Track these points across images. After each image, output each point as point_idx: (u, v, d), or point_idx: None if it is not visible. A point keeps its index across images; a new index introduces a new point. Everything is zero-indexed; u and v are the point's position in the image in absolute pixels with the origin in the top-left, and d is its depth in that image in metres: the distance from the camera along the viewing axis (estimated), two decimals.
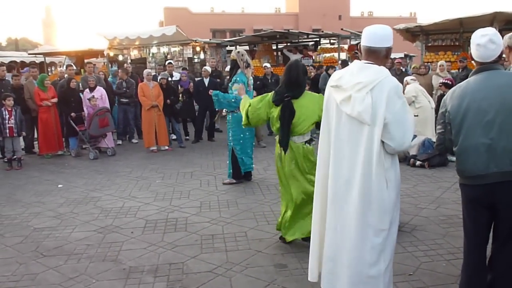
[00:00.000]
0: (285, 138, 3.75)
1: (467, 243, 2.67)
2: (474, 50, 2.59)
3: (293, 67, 3.87)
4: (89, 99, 8.64)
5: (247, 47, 16.36)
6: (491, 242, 2.64)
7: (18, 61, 19.07)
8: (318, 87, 9.95)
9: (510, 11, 10.24)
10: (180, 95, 9.85)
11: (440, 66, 9.68)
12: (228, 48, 15.18)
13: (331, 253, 2.59)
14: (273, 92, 3.90)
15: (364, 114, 2.37)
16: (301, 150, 3.78)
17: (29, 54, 19.06)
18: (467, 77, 2.70)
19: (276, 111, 3.78)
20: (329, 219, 2.58)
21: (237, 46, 14.14)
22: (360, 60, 2.58)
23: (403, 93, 2.62)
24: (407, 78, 8.16)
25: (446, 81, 7.55)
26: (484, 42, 2.52)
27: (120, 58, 14.25)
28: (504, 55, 2.68)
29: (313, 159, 3.74)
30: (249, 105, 3.90)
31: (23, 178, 7.09)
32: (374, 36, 2.52)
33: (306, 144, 3.81)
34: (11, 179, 7.05)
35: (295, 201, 3.84)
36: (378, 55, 2.51)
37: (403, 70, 11.00)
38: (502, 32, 10.46)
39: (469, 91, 2.54)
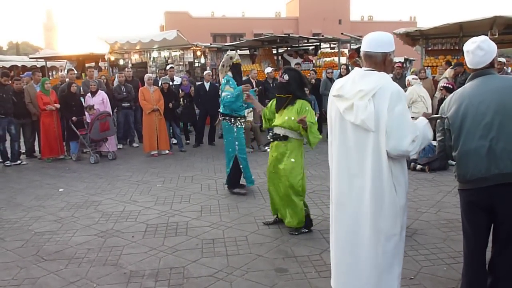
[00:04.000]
0: None
1: (466, 246, 2.68)
2: (465, 57, 2.66)
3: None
4: (86, 109, 8.61)
5: (247, 51, 16.39)
6: (490, 246, 2.64)
7: (19, 65, 19.15)
8: (319, 92, 9.95)
9: (509, 15, 10.25)
10: (181, 99, 9.88)
11: (449, 72, 9.77)
12: (229, 52, 15.17)
13: (343, 259, 2.57)
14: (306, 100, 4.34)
15: (368, 122, 2.37)
16: None
17: (30, 58, 19.14)
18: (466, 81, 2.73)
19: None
20: (335, 227, 2.57)
21: (237, 50, 14.17)
22: (361, 67, 2.60)
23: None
24: (409, 78, 8.14)
25: (447, 85, 7.55)
26: (473, 49, 2.57)
27: (121, 62, 14.28)
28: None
29: None
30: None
31: (23, 182, 7.10)
32: (371, 41, 2.54)
33: None
34: (12, 182, 7.06)
35: None
36: (375, 60, 2.51)
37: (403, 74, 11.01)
38: (503, 36, 10.51)
39: (466, 96, 2.57)
